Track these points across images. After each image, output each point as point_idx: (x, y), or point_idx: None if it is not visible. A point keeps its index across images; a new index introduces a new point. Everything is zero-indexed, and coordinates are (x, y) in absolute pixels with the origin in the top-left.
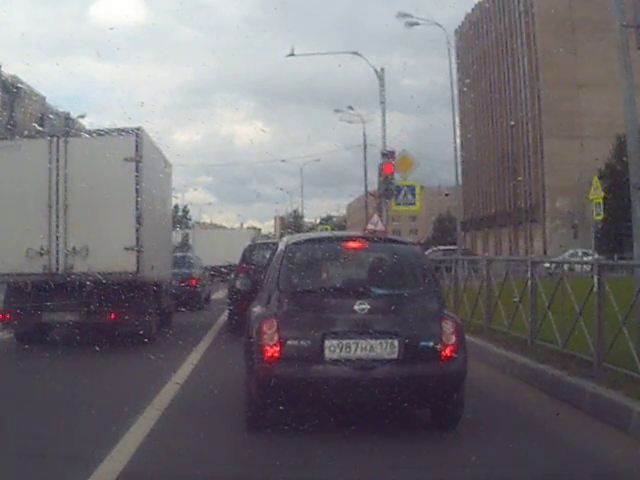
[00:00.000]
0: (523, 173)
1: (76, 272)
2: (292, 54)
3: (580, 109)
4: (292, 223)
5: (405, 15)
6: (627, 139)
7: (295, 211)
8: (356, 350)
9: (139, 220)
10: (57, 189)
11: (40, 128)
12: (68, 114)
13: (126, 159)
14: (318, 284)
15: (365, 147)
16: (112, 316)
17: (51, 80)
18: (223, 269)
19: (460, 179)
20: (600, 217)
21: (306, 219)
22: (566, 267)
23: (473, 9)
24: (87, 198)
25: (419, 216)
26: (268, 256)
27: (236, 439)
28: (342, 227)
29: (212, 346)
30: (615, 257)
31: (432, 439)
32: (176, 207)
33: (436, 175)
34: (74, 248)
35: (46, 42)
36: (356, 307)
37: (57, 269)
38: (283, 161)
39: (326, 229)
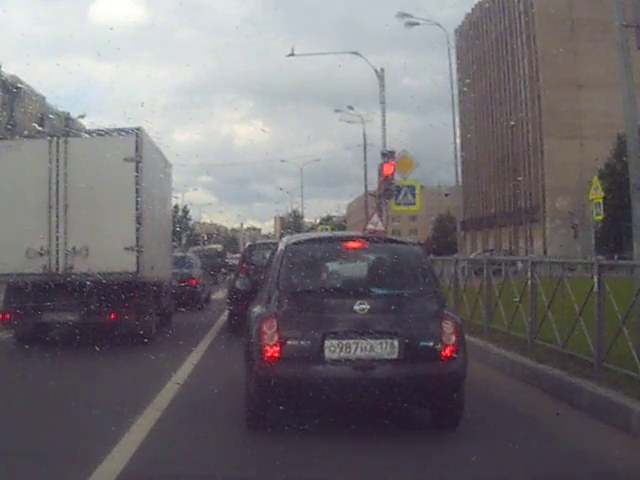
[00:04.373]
0: (523, 173)
1: (76, 272)
2: (292, 54)
3: (580, 109)
4: (292, 223)
5: (405, 15)
6: (627, 139)
7: (295, 211)
8: (356, 350)
9: (139, 220)
10: (57, 189)
11: (40, 128)
12: (68, 114)
13: (126, 159)
14: (318, 284)
15: (365, 147)
16: (112, 316)
17: (51, 80)
18: None
19: (460, 179)
20: (600, 217)
21: (306, 219)
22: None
23: (473, 9)
24: (87, 198)
25: (419, 216)
26: (268, 256)
27: (236, 439)
28: (342, 227)
29: (212, 346)
30: (615, 257)
31: (432, 439)
32: (176, 207)
33: (436, 175)
34: (74, 248)
35: (46, 42)
36: (356, 307)
37: (57, 269)
38: (283, 161)
39: (326, 229)
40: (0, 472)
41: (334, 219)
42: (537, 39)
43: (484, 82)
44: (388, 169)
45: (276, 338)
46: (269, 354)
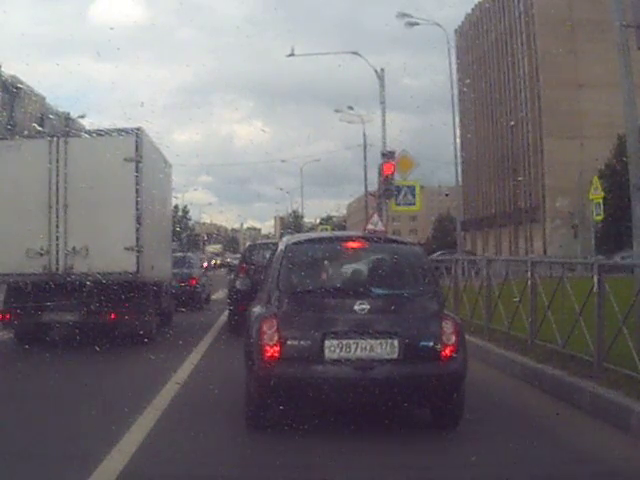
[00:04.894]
0: (523, 173)
1: (76, 272)
2: (292, 54)
3: (580, 109)
4: (292, 223)
5: (405, 15)
6: (627, 139)
7: (295, 211)
8: (356, 350)
9: (139, 220)
10: (57, 189)
11: (40, 128)
12: (68, 114)
13: (126, 159)
14: (318, 284)
15: (365, 147)
16: (112, 316)
17: (51, 80)
18: None
19: (460, 179)
20: (600, 217)
21: (306, 219)
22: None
23: (473, 9)
24: (87, 198)
25: (419, 216)
26: (268, 256)
27: (236, 439)
28: (342, 227)
29: (212, 346)
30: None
31: (432, 439)
32: (176, 207)
33: (436, 175)
34: (74, 248)
35: (46, 42)
36: (356, 307)
37: (57, 269)
38: (283, 161)
39: (326, 229)
40: (0, 472)
41: (334, 219)
42: (537, 39)
43: (484, 82)
44: (388, 169)
45: (276, 338)
46: (269, 354)
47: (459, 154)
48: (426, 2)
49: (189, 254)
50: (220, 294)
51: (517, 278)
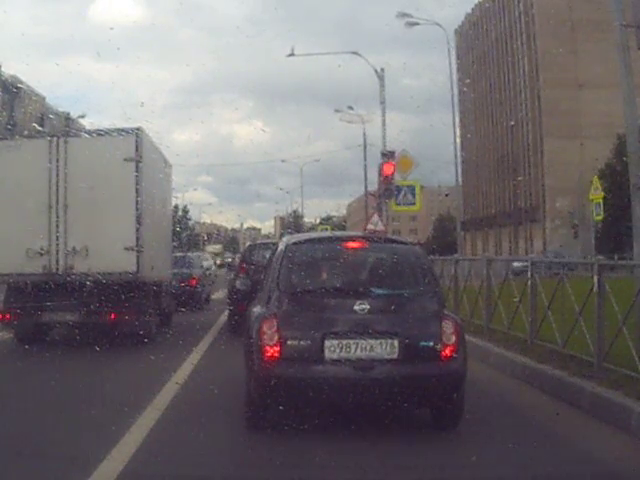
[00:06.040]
0: (523, 173)
1: (76, 272)
2: (292, 54)
3: (580, 109)
4: (292, 223)
5: (405, 15)
6: (627, 139)
7: (295, 211)
8: (356, 350)
9: (139, 220)
10: (57, 189)
11: (40, 128)
12: (68, 114)
13: (126, 159)
14: (318, 284)
15: (365, 147)
16: (112, 316)
17: (51, 80)
18: None
19: (460, 179)
20: (600, 217)
21: (306, 219)
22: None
23: (473, 9)
24: (87, 198)
25: (419, 216)
26: (268, 256)
27: (236, 439)
28: (342, 227)
29: (212, 346)
30: (615, 257)
31: (432, 439)
32: (176, 207)
33: (436, 175)
34: (74, 248)
35: (46, 42)
36: (356, 307)
37: (57, 269)
38: (283, 161)
39: (326, 229)
40: (0, 472)
41: (334, 219)
42: (537, 39)
43: (484, 82)
44: (388, 169)
45: (276, 338)
46: (269, 354)
47: (459, 154)
48: (426, 2)
49: (189, 254)
50: (220, 294)
51: (517, 278)
